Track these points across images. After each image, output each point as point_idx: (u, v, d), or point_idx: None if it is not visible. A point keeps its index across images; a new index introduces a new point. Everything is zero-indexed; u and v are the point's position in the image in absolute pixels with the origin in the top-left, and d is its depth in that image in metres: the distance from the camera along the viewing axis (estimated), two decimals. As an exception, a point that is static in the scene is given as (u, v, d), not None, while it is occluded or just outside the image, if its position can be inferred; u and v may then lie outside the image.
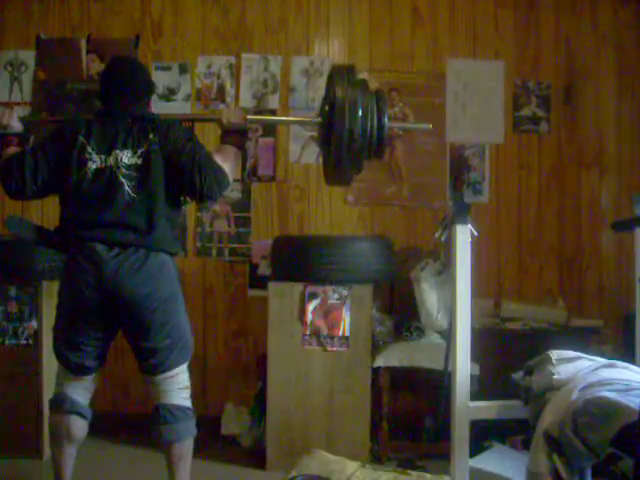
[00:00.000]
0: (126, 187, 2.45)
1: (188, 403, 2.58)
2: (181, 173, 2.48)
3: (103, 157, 2.47)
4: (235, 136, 2.62)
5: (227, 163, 2.53)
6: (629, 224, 2.91)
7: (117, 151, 2.47)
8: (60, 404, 2.55)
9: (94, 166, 2.47)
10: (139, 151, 2.48)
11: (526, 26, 4.07)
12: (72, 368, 2.53)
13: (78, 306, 2.48)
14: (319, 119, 2.49)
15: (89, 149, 2.48)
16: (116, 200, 2.44)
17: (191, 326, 2.64)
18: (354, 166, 2.41)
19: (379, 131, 2.33)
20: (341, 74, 2.34)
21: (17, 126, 2.62)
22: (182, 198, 2.61)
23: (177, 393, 2.54)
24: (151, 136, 2.49)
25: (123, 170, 2.46)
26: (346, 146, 2.27)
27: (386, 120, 2.35)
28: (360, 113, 2.27)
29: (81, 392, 2.56)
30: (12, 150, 2.57)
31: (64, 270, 2.55)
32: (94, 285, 2.42)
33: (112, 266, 2.42)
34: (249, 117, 2.71)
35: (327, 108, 2.39)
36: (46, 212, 3.89)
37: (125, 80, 2.61)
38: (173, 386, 2.54)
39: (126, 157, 2.47)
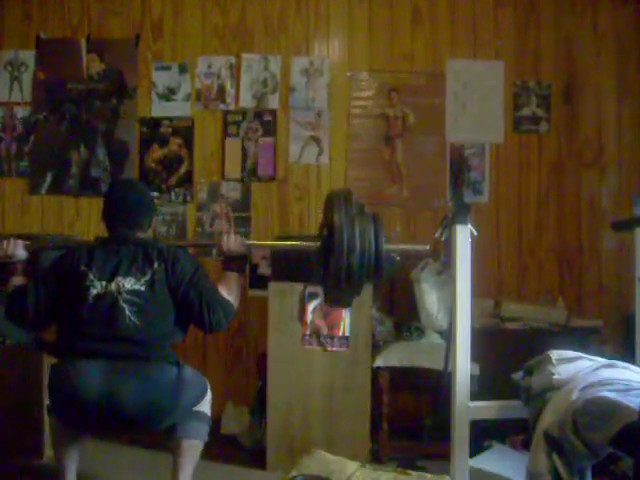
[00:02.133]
0: (127, 312, 2.42)
1: (208, 412, 2.62)
2: (190, 309, 2.49)
3: (104, 283, 2.46)
4: (236, 262, 2.65)
5: (232, 293, 2.57)
6: (629, 224, 2.91)
7: (119, 278, 2.46)
8: None
9: (95, 292, 2.45)
10: (143, 279, 2.47)
11: (526, 26, 4.07)
12: None
13: (73, 419, 2.47)
14: (318, 243, 2.51)
15: (90, 276, 2.47)
16: (116, 324, 2.41)
17: (198, 374, 2.61)
18: (353, 290, 2.44)
19: (377, 255, 2.36)
20: (338, 199, 2.37)
21: (22, 254, 2.62)
22: (187, 326, 2.59)
23: (201, 405, 2.60)
24: (156, 265, 2.49)
25: (125, 295, 2.44)
26: (345, 271, 2.30)
27: (382, 244, 2.38)
28: (357, 242, 2.30)
29: None
30: (17, 280, 2.59)
31: (55, 383, 2.47)
32: (89, 403, 2.35)
33: (108, 382, 2.36)
34: (249, 242, 2.76)
35: (325, 232, 2.42)
36: (66, 215, 3.92)
37: (127, 207, 2.61)
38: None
39: (129, 283, 2.46)
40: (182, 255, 2.58)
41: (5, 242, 2.61)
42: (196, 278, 2.52)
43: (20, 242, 2.64)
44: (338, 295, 2.48)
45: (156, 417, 2.44)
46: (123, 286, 2.45)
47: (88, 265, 2.49)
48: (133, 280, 2.46)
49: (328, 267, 2.36)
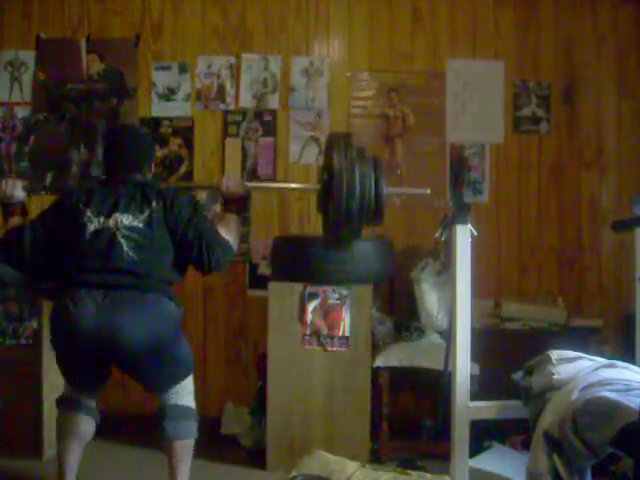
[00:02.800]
0: (125, 247, 2.42)
1: (193, 405, 2.61)
2: (188, 248, 2.49)
3: (102, 219, 2.46)
4: (236, 204, 2.65)
5: (230, 233, 2.56)
6: (629, 224, 2.91)
7: (117, 214, 2.46)
8: (68, 402, 2.59)
9: (92, 227, 2.45)
10: (141, 216, 2.47)
11: (526, 26, 4.06)
12: (80, 391, 2.59)
13: (75, 354, 2.46)
14: (318, 186, 2.50)
15: (88, 213, 2.47)
16: (113, 256, 2.42)
17: (190, 346, 2.64)
18: (352, 233, 2.43)
19: (376, 200, 2.35)
20: (338, 142, 2.36)
21: (20, 195, 2.65)
22: (185, 266, 2.58)
23: (184, 396, 2.58)
24: (154, 204, 2.49)
25: (123, 231, 2.44)
26: (344, 217, 2.29)
27: (383, 187, 2.36)
28: (357, 184, 2.28)
29: (88, 397, 2.60)
30: (15, 221, 2.60)
31: (54, 316, 2.48)
32: (87, 332, 2.36)
33: (106, 311, 2.36)
34: (249, 184, 2.74)
35: (325, 176, 2.41)
36: None
37: (127, 150, 2.62)
38: (179, 393, 2.57)
39: (127, 219, 2.46)
40: (180, 195, 2.58)
41: (4, 182, 2.63)
42: (195, 218, 2.52)
43: (19, 182, 2.66)
44: (337, 237, 2.46)
45: (154, 349, 2.41)
46: (121, 222, 2.45)
47: (86, 203, 2.49)
48: (131, 217, 2.46)
49: (328, 209, 2.35)
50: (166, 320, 2.46)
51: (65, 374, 2.60)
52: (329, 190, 2.30)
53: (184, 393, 2.58)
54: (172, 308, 2.49)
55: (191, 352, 2.64)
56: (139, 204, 2.48)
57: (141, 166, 2.63)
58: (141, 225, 2.45)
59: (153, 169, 2.75)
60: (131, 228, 2.44)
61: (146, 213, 2.47)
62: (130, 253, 2.42)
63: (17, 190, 2.63)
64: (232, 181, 2.65)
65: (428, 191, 2.76)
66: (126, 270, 2.41)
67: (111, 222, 2.44)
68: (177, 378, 2.56)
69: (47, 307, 3.26)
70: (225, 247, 2.51)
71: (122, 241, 2.42)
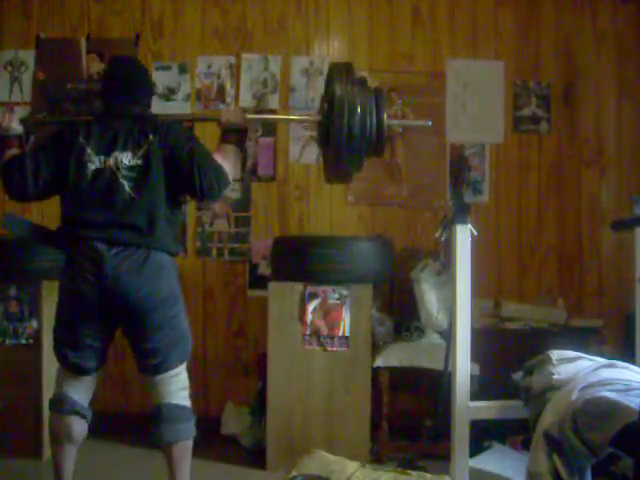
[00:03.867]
0: (126, 188, 2.44)
1: (188, 403, 2.58)
2: (180, 172, 2.48)
3: (102, 158, 2.47)
4: (235, 135, 2.62)
5: (227, 162, 2.53)
6: (629, 224, 2.91)
7: (117, 152, 2.47)
8: (60, 404, 2.56)
9: (93, 167, 2.46)
10: (139, 152, 2.47)
11: (526, 26, 4.06)
12: (72, 368, 2.53)
13: (78, 305, 2.48)
14: (318, 117, 2.49)
15: (88, 150, 2.48)
16: (116, 200, 2.44)
17: (190, 326, 2.63)
18: (354, 164, 2.42)
19: (378, 128, 2.33)
20: (339, 72, 2.34)
21: (17, 128, 2.62)
22: (182, 197, 2.60)
23: (177, 393, 2.55)
24: (151, 137, 2.49)
25: (123, 171, 2.45)
26: (345, 144, 2.27)
27: (385, 117, 2.35)
28: (359, 111, 2.27)
29: (81, 392, 2.57)
30: (12, 152, 2.57)
31: (63, 269, 2.53)
32: (94, 284, 2.41)
33: (112, 265, 2.40)
34: (248, 116, 2.71)
35: (326, 106, 2.39)
36: (47, 212, 3.88)
37: (126, 81, 2.61)
38: (173, 386, 2.54)
39: (126, 158, 2.47)
40: (176, 125, 2.58)
41: (0, 115, 2.61)
42: (190, 143, 2.51)
43: (15, 114, 2.64)
44: (338, 169, 2.44)
45: (156, 304, 2.44)
46: (121, 161, 2.46)
47: (86, 137, 2.49)
48: (130, 155, 2.47)
49: (329, 141, 2.33)
50: (166, 277, 2.50)
51: (61, 342, 2.55)
52: (330, 119, 2.28)
53: (176, 388, 2.54)
54: (171, 264, 2.53)
55: (190, 330, 2.63)
56: (137, 139, 2.49)
57: (139, 97, 2.62)
58: (140, 162, 2.46)
59: (151, 103, 2.73)
60: (131, 168, 2.46)
61: (144, 148, 2.47)
62: (132, 193, 2.44)
63: (13, 122, 2.60)
64: (232, 111, 2.66)
65: (429, 123, 2.75)
66: (129, 224, 2.43)
67: (111, 161, 2.46)
68: (175, 351, 2.53)
69: (47, 307, 3.27)
70: (219, 172, 2.48)
71: (123, 182, 2.45)
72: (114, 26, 4.05)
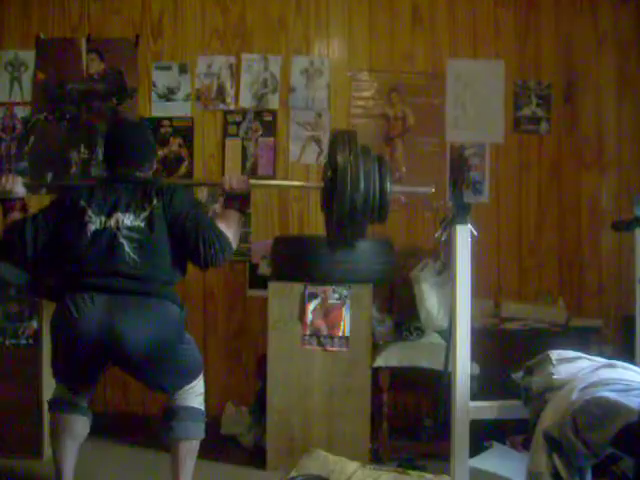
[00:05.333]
0: (127, 248, 2.42)
1: (202, 407, 2.62)
2: (185, 241, 2.46)
3: (103, 219, 2.45)
4: (237, 201, 2.62)
5: (231, 229, 2.53)
6: (629, 224, 2.91)
7: (119, 214, 2.45)
8: (60, 404, 2.58)
9: (93, 227, 2.45)
10: (142, 215, 2.46)
11: (526, 26, 4.07)
12: (72, 391, 2.59)
13: (74, 357, 2.46)
14: (322, 184, 2.49)
15: (90, 212, 2.46)
16: (115, 259, 2.41)
17: (198, 351, 2.63)
18: (356, 233, 2.42)
19: (381, 197, 2.33)
20: (342, 141, 2.34)
21: (21, 191, 2.63)
22: (185, 263, 2.57)
23: (193, 398, 2.60)
24: (155, 201, 2.48)
25: (124, 232, 2.43)
26: (348, 214, 2.28)
27: (388, 186, 2.35)
28: (362, 182, 2.26)
29: (80, 398, 2.61)
30: (15, 216, 2.58)
31: (56, 319, 2.48)
32: (89, 337, 2.35)
33: (109, 313, 2.36)
34: (251, 181, 2.71)
35: (329, 174, 2.39)
36: None
37: (128, 147, 2.60)
38: (187, 395, 2.58)
39: (128, 219, 2.45)
40: (180, 190, 2.57)
41: (4, 178, 2.61)
42: (194, 211, 2.51)
43: (19, 178, 2.64)
44: (341, 237, 2.44)
45: (157, 353, 2.40)
46: (122, 222, 2.44)
47: (87, 201, 2.48)
48: (132, 216, 2.45)
49: (332, 208, 2.34)
50: (168, 324, 2.45)
51: (58, 374, 2.59)
52: (333, 187, 2.29)
53: (193, 395, 2.59)
54: (174, 311, 2.48)
55: (198, 356, 2.63)
56: (140, 202, 2.47)
57: (142, 162, 2.62)
58: (142, 224, 2.44)
59: (155, 165, 2.74)
60: (132, 228, 2.43)
61: (147, 211, 2.46)
62: (132, 254, 2.41)
63: (17, 186, 2.61)
64: (235, 178, 2.63)
65: (432, 189, 2.75)
66: (128, 274, 2.40)
67: (112, 222, 2.44)
68: (182, 382, 2.56)
69: (47, 308, 3.26)
70: (223, 241, 2.48)
71: (123, 242, 2.42)
72: (114, 26, 4.05)
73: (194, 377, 2.60)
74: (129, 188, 2.51)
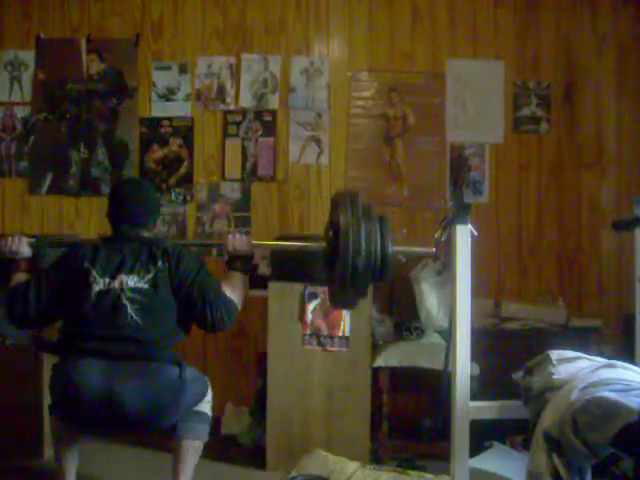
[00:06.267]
0: (129, 310, 2.43)
1: (209, 412, 2.64)
2: (192, 306, 2.49)
3: (107, 280, 2.46)
4: (241, 262, 2.64)
5: (236, 293, 2.56)
6: (629, 224, 2.90)
7: (123, 275, 2.46)
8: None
9: (97, 288, 2.45)
10: (146, 277, 2.47)
11: (526, 26, 4.07)
12: None
13: (75, 419, 2.48)
14: (324, 244, 2.51)
15: (94, 273, 2.47)
16: (118, 321, 2.42)
17: (200, 373, 2.63)
18: (358, 293, 2.43)
19: (383, 257, 2.35)
20: (344, 201, 2.36)
21: (26, 252, 2.63)
22: (189, 326, 2.59)
23: (203, 404, 2.62)
24: (160, 263, 2.49)
25: (128, 293, 2.44)
26: (350, 273, 2.29)
27: (389, 246, 2.37)
28: (363, 243, 2.28)
29: None
30: (20, 277, 2.58)
31: (56, 381, 2.48)
32: (90, 402, 2.36)
33: (109, 382, 2.36)
34: (255, 242, 2.74)
35: (331, 233, 2.41)
36: (65, 214, 3.90)
37: (133, 206, 2.61)
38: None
39: (132, 281, 2.46)
40: (186, 254, 2.58)
41: (10, 238, 2.61)
42: (200, 277, 2.52)
43: (25, 239, 2.64)
44: (343, 297, 2.48)
45: (157, 417, 2.44)
46: (126, 284, 2.45)
47: (92, 262, 2.48)
48: (136, 278, 2.46)
49: (334, 268, 2.36)
50: (169, 389, 2.44)
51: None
52: (335, 248, 2.32)
53: (204, 402, 2.62)
54: (175, 374, 2.46)
55: (202, 383, 2.62)
56: (145, 264, 2.48)
57: (147, 221, 2.63)
58: (146, 286, 2.46)
59: (157, 223, 2.77)
60: (136, 290, 2.44)
61: (151, 273, 2.47)
62: (134, 316, 2.42)
63: (23, 246, 2.61)
64: (238, 239, 2.64)
65: (434, 250, 2.79)
66: (130, 338, 2.41)
67: (116, 283, 2.45)
68: (191, 410, 2.57)
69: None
70: (229, 306, 2.51)
71: (126, 304, 2.43)
72: (114, 26, 4.05)
73: (202, 400, 2.61)
74: (134, 248, 2.52)
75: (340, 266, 2.28)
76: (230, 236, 2.66)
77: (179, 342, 2.56)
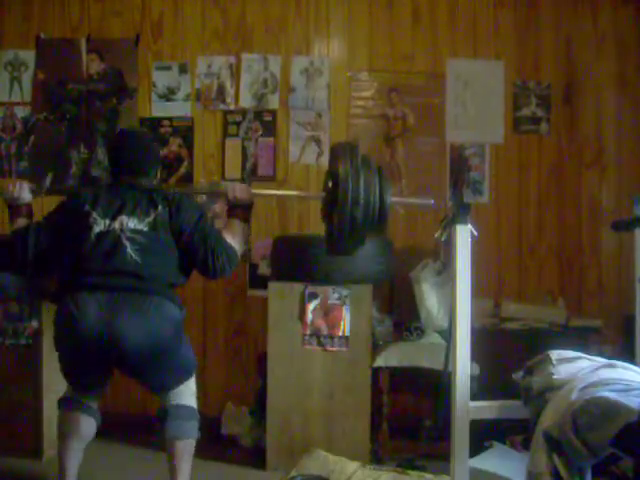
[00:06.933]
0: (129, 249, 2.44)
1: (195, 405, 2.63)
2: (193, 252, 2.52)
3: (108, 222, 2.48)
4: (241, 210, 2.66)
5: (236, 240, 2.59)
6: (629, 224, 2.91)
7: (123, 216, 2.49)
8: (70, 403, 2.60)
9: (97, 229, 2.47)
10: (146, 219, 2.50)
11: (526, 26, 4.06)
12: (81, 392, 2.61)
13: (77, 355, 2.48)
14: (323, 194, 2.53)
15: (94, 215, 2.50)
16: (117, 257, 2.44)
17: (192, 347, 2.66)
18: (356, 242, 2.45)
19: (380, 207, 2.37)
20: (344, 152, 2.37)
21: (27, 197, 2.66)
22: (188, 270, 2.60)
23: (186, 398, 2.60)
24: (160, 208, 2.51)
25: (127, 233, 2.46)
26: (348, 223, 2.31)
27: (388, 197, 2.39)
28: (362, 192, 2.30)
29: (90, 398, 2.62)
30: (21, 222, 2.61)
31: (58, 318, 2.50)
32: (89, 334, 2.37)
33: (110, 311, 2.38)
34: (254, 191, 2.75)
35: (330, 184, 2.43)
36: None
37: (134, 154, 2.64)
38: (182, 393, 2.59)
39: (132, 223, 2.48)
40: (186, 201, 2.61)
41: (11, 185, 2.65)
42: (200, 223, 2.55)
43: (26, 184, 2.68)
44: (342, 245, 2.48)
45: (157, 351, 2.42)
46: (126, 225, 2.48)
47: (92, 205, 2.52)
48: (136, 220, 2.49)
49: (332, 218, 2.37)
50: (168, 323, 2.46)
51: (67, 376, 2.61)
52: (334, 198, 2.33)
53: (187, 394, 2.60)
54: (174, 311, 2.50)
55: (194, 355, 2.66)
56: (145, 208, 2.51)
57: (147, 171, 2.65)
58: (146, 229, 2.48)
59: (159, 174, 2.78)
60: (136, 231, 2.47)
61: (151, 217, 2.50)
62: (134, 256, 2.44)
63: (24, 192, 2.65)
64: (238, 187, 2.67)
65: (432, 202, 2.78)
66: (129, 272, 2.42)
67: (116, 224, 2.47)
68: (179, 381, 2.57)
69: (47, 307, 3.26)
70: (230, 253, 2.54)
71: (126, 243, 2.45)
72: (114, 26, 4.05)
73: (189, 375, 2.61)
74: (134, 195, 2.54)
75: (339, 215, 2.30)
76: (230, 184, 2.72)
77: (179, 284, 2.58)
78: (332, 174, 2.39)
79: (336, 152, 2.44)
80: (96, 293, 2.39)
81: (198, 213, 2.60)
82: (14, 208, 2.65)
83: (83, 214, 2.50)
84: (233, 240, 2.58)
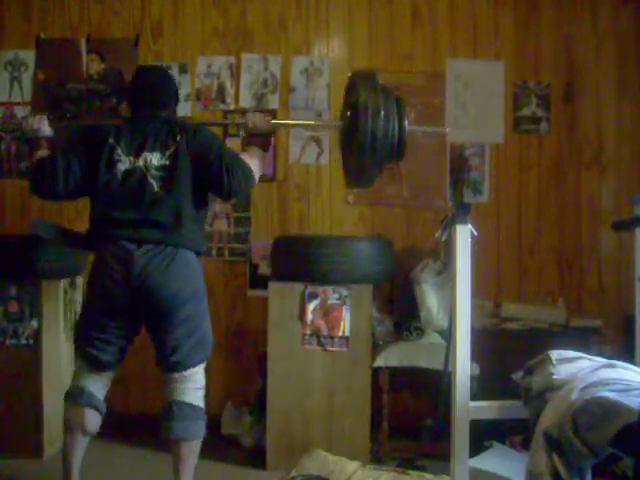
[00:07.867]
0: (155, 187, 2.53)
1: (202, 404, 2.63)
2: (209, 171, 2.56)
3: (132, 159, 2.55)
4: (260, 138, 2.73)
5: (253, 161, 2.64)
6: (629, 224, 2.91)
7: (146, 153, 2.55)
8: (77, 396, 2.60)
9: (123, 167, 2.54)
10: (167, 152, 2.55)
11: (526, 26, 4.07)
12: (94, 363, 2.59)
13: (106, 303, 2.53)
14: (340, 123, 2.55)
15: (119, 151, 2.55)
16: (145, 200, 2.51)
17: (211, 326, 2.70)
18: (375, 168, 2.47)
19: (400, 134, 2.39)
20: (363, 79, 2.39)
21: (47, 130, 2.73)
22: (208, 196, 2.67)
23: (193, 392, 2.59)
24: (178, 137, 2.57)
25: (152, 171, 2.53)
26: (369, 148, 2.32)
27: (406, 123, 2.41)
28: (382, 116, 2.31)
29: (99, 387, 2.63)
30: (42, 154, 2.66)
31: (92, 268, 2.60)
32: (122, 282, 2.48)
33: (140, 263, 2.47)
34: (273, 121, 2.82)
35: (348, 113, 2.43)
36: (66, 214, 3.89)
37: (153, 87, 2.71)
38: (189, 384, 2.59)
39: (155, 159, 2.55)
40: (204, 128, 2.70)
41: (31, 118, 2.74)
42: (217, 144, 2.63)
43: (46, 118, 2.76)
44: (361, 174, 2.50)
45: (182, 299, 2.51)
46: (150, 162, 2.54)
47: (116, 139, 2.57)
48: (159, 155, 2.55)
49: (351, 146, 2.38)
50: (193, 275, 2.58)
51: (86, 340, 2.59)
52: (353, 127, 2.34)
53: (194, 386, 2.59)
54: (197, 263, 2.61)
55: (211, 329, 2.70)
56: (165, 140, 2.57)
57: (167, 103, 2.73)
58: (168, 162, 2.54)
59: (176, 109, 2.85)
60: (159, 168, 2.54)
61: (172, 149, 2.56)
62: (160, 193, 2.52)
63: (44, 124, 2.72)
64: (258, 116, 2.74)
65: (448, 129, 2.81)
66: (157, 222, 2.50)
67: (141, 162, 2.54)
68: (193, 357, 2.58)
69: (47, 307, 3.27)
70: (246, 171, 2.59)
71: (152, 182, 2.53)
72: (114, 26, 4.05)
73: (204, 355, 2.64)
74: (155, 127, 2.60)
75: (360, 140, 2.31)
76: (250, 114, 2.78)
77: (203, 216, 2.68)
78: (350, 103, 2.40)
79: (355, 79, 2.46)
80: (130, 246, 2.48)
81: (214, 137, 2.69)
82: (34, 142, 2.70)
83: (107, 147, 2.55)
84: (250, 160, 2.63)
